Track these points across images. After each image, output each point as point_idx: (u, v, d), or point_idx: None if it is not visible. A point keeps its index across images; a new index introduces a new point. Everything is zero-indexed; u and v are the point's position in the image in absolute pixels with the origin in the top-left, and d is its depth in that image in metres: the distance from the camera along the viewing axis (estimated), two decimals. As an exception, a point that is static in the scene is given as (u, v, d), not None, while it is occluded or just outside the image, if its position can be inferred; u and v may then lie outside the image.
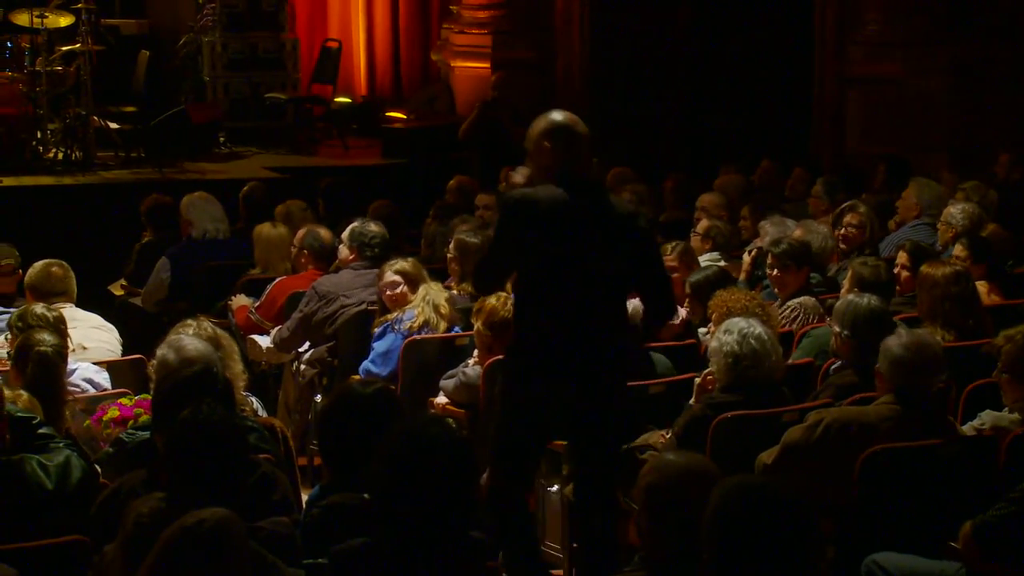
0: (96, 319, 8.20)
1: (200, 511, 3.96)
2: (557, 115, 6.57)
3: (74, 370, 7.03)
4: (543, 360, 6.09)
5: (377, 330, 8.40)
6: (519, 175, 6.74)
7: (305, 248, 9.45)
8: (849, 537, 5.96)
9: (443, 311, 8.27)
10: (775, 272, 8.39)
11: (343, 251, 9.17)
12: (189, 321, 6.23)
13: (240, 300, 9.37)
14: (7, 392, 5.53)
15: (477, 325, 7.74)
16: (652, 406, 7.05)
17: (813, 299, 8.27)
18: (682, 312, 8.17)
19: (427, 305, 8.30)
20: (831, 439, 6.04)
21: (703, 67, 15.54)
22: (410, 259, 8.67)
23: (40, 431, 5.32)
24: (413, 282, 8.43)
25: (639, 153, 14.14)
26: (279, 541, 4.53)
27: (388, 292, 8.45)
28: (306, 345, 8.96)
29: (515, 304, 6.36)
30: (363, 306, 8.78)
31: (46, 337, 6.53)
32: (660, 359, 7.39)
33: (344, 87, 17.73)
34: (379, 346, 8.30)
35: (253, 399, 6.61)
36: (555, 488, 7.14)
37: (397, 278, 8.44)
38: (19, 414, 5.30)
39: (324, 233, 9.55)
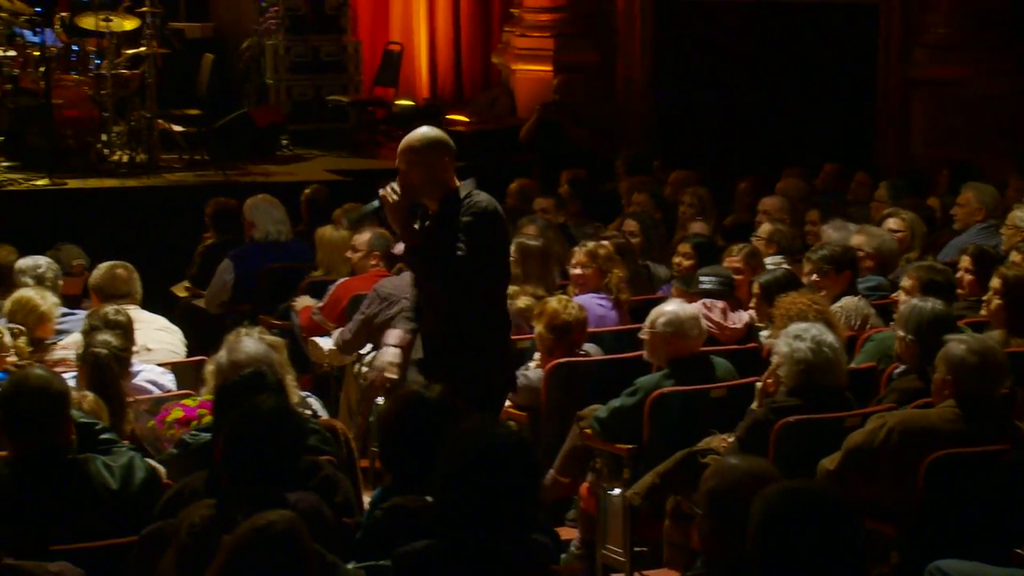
0: (161, 321, 8.25)
1: (268, 513, 3.98)
2: (438, 131, 6.80)
3: (139, 372, 7.08)
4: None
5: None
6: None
7: (375, 250, 9.48)
8: (913, 543, 5.92)
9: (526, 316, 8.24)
10: (814, 277, 8.36)
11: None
12: (243, 329, 6.25)
13: (304, 301, 9.40)
14: (74, 394, 5.58)
15: (538, 328, 7.74)
16: (714, 410, 7.03)
17: (856, 300, 8.21)
18: (744, 316, 8.14)
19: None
20: (894, 444, 6.00)
21: (766, 70, 15.48)
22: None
23: (102, 436, 5.35)
24: None
25: (700, 156, 14.11)
26: (310, 517, 4.51)
27: None
28: (368, 347, 8.98)
29: (480, 308, 6.59)
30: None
31: (105, 339, 6.59)
32: (722, 363, 7.37)
33: (406, 90, 17.77)
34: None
35: (314, 401, 6.63)
36: (616, 491, 7.12)
37: None
38: (82, 419, 5.34)
39: (389, 234, 9.58)
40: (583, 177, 12.55)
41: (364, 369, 8.93)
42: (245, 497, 4.51)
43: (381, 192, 6.61)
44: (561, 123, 15.28)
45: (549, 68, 16.22)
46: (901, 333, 6.92)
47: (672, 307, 7.34)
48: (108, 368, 6.38)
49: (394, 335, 6.76)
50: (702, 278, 8.30)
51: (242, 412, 4.71)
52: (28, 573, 4.33)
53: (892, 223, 9.56)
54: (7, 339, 6.93)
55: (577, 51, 16.33)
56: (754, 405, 6.75)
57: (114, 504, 5.06)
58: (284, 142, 15.77)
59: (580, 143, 15.08)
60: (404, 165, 6.65)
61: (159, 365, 7.39)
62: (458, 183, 6.72)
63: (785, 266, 8.90)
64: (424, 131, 6.76)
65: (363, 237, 9.63)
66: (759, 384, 6.81)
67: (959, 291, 8.30)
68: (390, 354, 6.69)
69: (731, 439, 6.56)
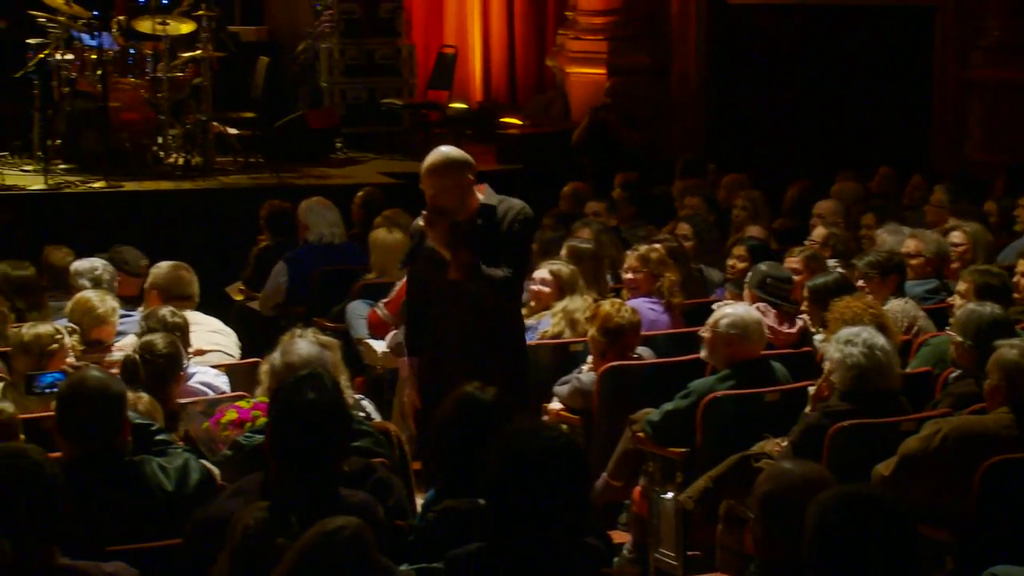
0: (216, 323, 8.29)
1: (336, 518, 4.00)
2: (457, 149, 6.97)
3: (193, 374, 7.12)
4: None
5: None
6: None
7: None
8: (968, 549, 5.88)
9: (579, 328, 8.21)
10: (860, 282, 8.33)
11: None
12: (297, 331, 6.27)
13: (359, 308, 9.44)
14: (129, 395, 5.61)
15: (591, 331, 7.73)
16: (768, 414, 7.01)
17: (903, 303, 8.17)
18: (798, 320, 8.11)
19: (564, 317, 8.28)
20: (949, 449, 5.97)
21: (821, 73, 15.41)
22: (571, 266, 8.62)
23: (158, 437, 5.38)
24: (561, 289, 8.41)
25: (754, 159, 14.07)
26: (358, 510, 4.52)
27: (533, 287, 8.49)
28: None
29: (511, 308, 6.86)
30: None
31: (155, 340, 6.64)
32: (776, 367, 7.34)
33: (460, 93, 17.80)
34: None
35: (367, 403, 6.64)
36: (669, 495, 7.11)
37: (548, 276, 8.45)
38: (137, 420, 5.37)
39: None
40: (636, 180, 12.53)
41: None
42: (299, 498, 4.53)
43: (420, 223, 6.76)
44: (612, 126, 15.26)
45: (603, 71, 16.21)
46: (959, 338, 6.88)
47: (736, 309, 7.32)
48: (159, 368, 6.43)
49: (406, 366, 6.98)
50: (761, 277, 8.24)
51: (285, 403, 4.73)
52: (83, 573, 4.36)
53: (956, 236, 9.45)
54: (67, 341, 6.97)
55: (631, 54, 16.30)
56: (807, 409, 6.72)
57: (169, 505, 5.08)
58: (338, 145, 15.82)
59: (631, 146, 15.07)
60: (432, 189, 6.78)
61: (213, 367, 7.43)
62: (479, 194, 6.85)
63: (839, 270, 8.85)
64: (445, 152, 6.88)
65: None
66: (812, 389, 6.78)
67: (1015, 295, 8.25)
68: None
69: (785, 443, 6.54)
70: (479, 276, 6.63)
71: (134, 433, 5.24)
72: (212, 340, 8.04)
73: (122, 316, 8.15)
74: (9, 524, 4.19)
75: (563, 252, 8.96)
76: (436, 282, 6.82)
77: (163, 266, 8.40)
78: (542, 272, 8.51)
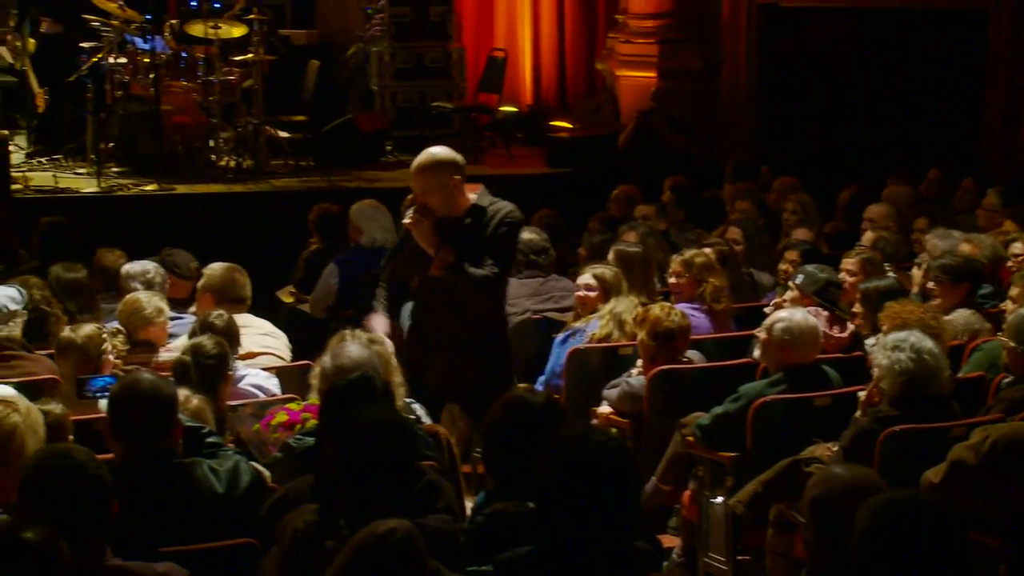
0: (267, 325, 8.32)
1: (386, 521, 4.02)
2: (446, 149, 7.17)
3: (243, 376, 7.15)
4: None
5: (559, 336, 8.41)
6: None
7: None
8: (1020, 556, 5.84)
9: (627, 328, 8.22)
10: (929, 285, 8.28)
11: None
12: (347, 333, 6.30)
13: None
14: (180, 396, 5.63)
15: (641, 335, 7.73)
16: (818, 418, 6.98)
17: (969, 314, 8.11)
18: (849, 325, 8.08)
19: (612, 319, 8.28)
20: (999, 455, 5.92)
21: (872, 76, 15.34)
22: (613, 268, 8.64)
23: (208, 440, 5.40)
24: (607, 291, 8.41)
25: (805, 163, 14.02)
26: (442, 539, 4.56)
27: (579, 293, 8.50)
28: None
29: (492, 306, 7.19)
30: (527, 315, 8.81)
31: (204, 342, 6.67)
32: (828, 371, 7.31)
33: (510, 96, 17.81)
34: (561, 354, 8.30)
35: (417, 406, 6.65)
36: (719, 499, 7.09)
37: (592, 281, 8.45)
38: (188, 423, 5.39)
39: None
40: (685, 183, 12.51)
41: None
42: (349, 503, 4.55)
43: (406, 222, 6.98)
44: (658, 130, 15.24)
45: (653, 74, 16.18)
46: (1012, 343, 6.84)
47: (793, 314, 7.28)
48: (210, 370, 6.47)
49: (381, 323, 7.13)
50: (821, 281, 8.21)
51: (352, 426, 4.74)
52: (134, 573, 4.39)
53: (1018, 247, 9.36)
54: (108, 344, 7.00)
55: (681, 57, 16.27)
56: (858, 414, 6.69)
57: (220, 508, 5.10)
58: (388, 148, 15.86)
59: (678, 150, 15.03)
60: (419, 188, 7.03)
61: (264, 369, 7.46)
62: (471, 194, 7.07)
63: (891, 274, 8.81)
64: (432, 152, 7.09)
65: None
66: (862, 394, 6.75)
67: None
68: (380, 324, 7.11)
69: (835, 448, 6.51)
70: (460, 273, 6.91)
71: (185, 435, 5.27)
72: (263, 343, 8.07)
73: (173, 319, 8.19)
74: (56, 524, 4.22)
75: (610, 256, 8.95)
76: (419, 278, 7.10)
77: (216, 268, 8.43)
78: (586, 277, 8.51)
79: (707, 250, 9.02)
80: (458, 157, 7.14)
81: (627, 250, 8.96)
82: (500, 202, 7.21)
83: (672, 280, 8.75)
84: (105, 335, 7.06)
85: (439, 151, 7.12)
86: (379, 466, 4.64)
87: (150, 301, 7.69)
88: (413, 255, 7.09)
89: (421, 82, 16.78)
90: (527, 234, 9.18)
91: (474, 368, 7.15)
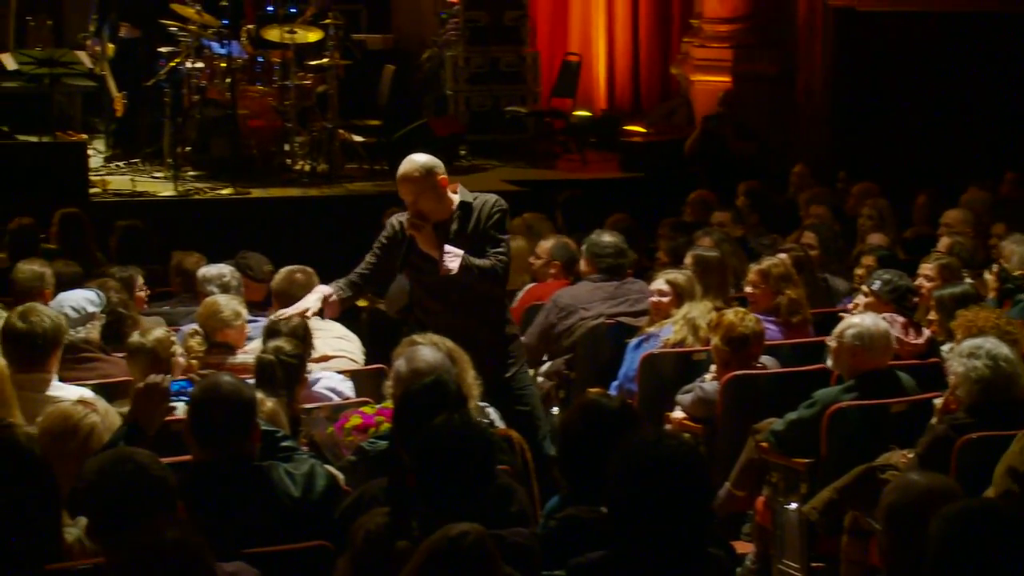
0: (339, 328, 8.34)
1: (459, 524, 4.03)
2: (426, 155, 7.42)
3: (318, 379, 7.18)
4: None
5: (633, 341, 8.40)
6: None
7: (556, 258, 9.53)
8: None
9: (701, 333, 8.18)
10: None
11: (582, 263, 9.21)
12: (417, 337, 6.31)
13: None
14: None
15: (715, 340, 7.70)
16: (894, 425, 6.94)
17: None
18: (925, 331, 8.02)
19: (686, 324, 8.25)
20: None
21: (949, 80, 15.21)
22: (686, 273, 8.62)
23: (283, 443, 5.42)
24: (680, 296, 8.39)
25: (881, 167, 13.92)
26: (518, 551, 4.56)
27: (652, 299, 8.50)
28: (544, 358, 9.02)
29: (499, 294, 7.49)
30: (601, 319, 8.80)
31: (284, 344, 6.71)
32: (904, 378, 7.26)
33: (584, 101, 17.81)
34: (635, 359, 8.29)
35: (491, 410, 6.66)
36: (793, 506, 7.06)
37: (665, 287, 8.43)
38: (264, 427, 5.42)
39: (572, 244, 9.63)
40: (760, 188, 12.46)
41: (540, 379, 8.97)
42: (421, 506, 4.56)
43: (409, 232, 7.21)
44: (725, 135, 15.18)
45: (728, 79, 16.13)
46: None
47: (863, 320, 7.24)
48: (275, 374, 6.51)
49: (321, 288, 7.38)
50: (895, 287, 8.15)
51: (430, 437, 4.77)
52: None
53: None
54: (177, 348, 7.06)
55: (756, 62, 16.21)
56: (934, 421, 6.64)
57: (295, 511, 5.11)
58: (462, 152, 15.89)
59: (744, 155, 14.97)
60: (412, 195, 7.25)
61: (339, 372, 7.49)
62: (454, 194, 7.34)
63: (968, 280, 8.73)
64: (417, 160, 7.33)
65: (545, 244, 9.70)
66: (938, 401, 6.69)
67: None
68: (310, 300, 7.28)
69: (911, 455, 6.46)
70: (469, 269, 7.11)
71: (261, 439, 5.29)
72: (337, 346, 8.09)
73: (248, 322, 8.23)
74: (120, 527, 4.26)
75: (688, 260, 8.92)
76: (430, 280, 7.27)
77: (280, 271, 8.46)
78: (659, 283, 8.49)
79: (785, 257, 8.94)
80: (438, 160, 7.38)
81: (704, 255, 8.93)
82: (483, 195, 7.47)
83: (748, 289, 8.70)
84: (174, 339, 7.11)
85: (423, 158, 7.33)
86: (454, 472, 4.65)
87: (228, 304, 7.74)
88: (419, 261, 7.27)
89: (495, 86, 16.82)
90: (605, 236, 9.18)
91: (486, 354, 7.24)
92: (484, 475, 4.74)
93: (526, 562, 4.53)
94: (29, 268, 8.39)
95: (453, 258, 7.12)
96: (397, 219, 7.40)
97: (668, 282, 8.45)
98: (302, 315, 7.16)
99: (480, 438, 4.80)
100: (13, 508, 4.52)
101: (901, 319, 7.95)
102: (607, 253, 9.07)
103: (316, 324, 7.81)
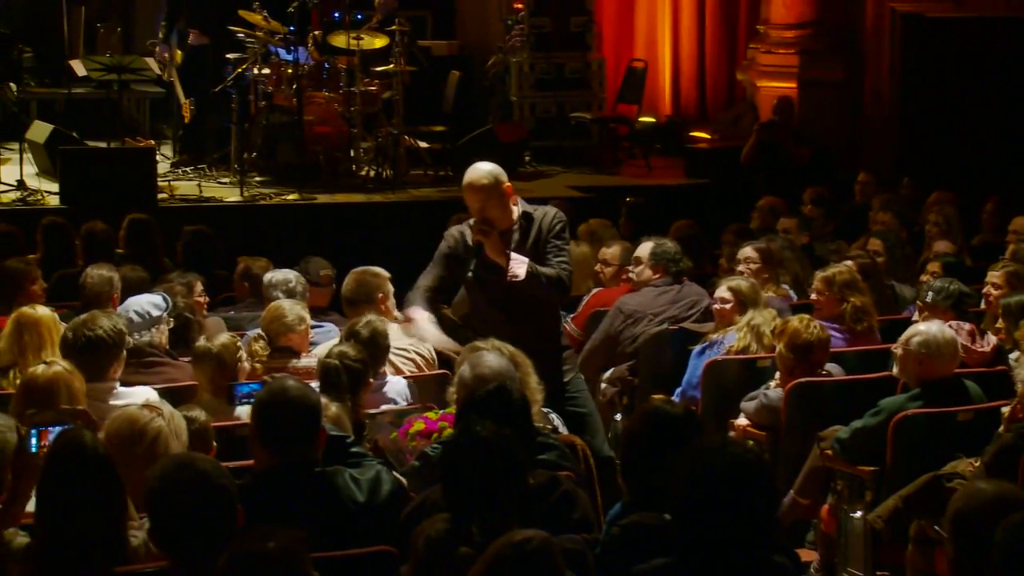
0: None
1: (523, 530, 4.04)
2: (491, 163, 7.39)
3: (383, 384, 7.21)
4: None
5: (697, 348, 8.38)
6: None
7: (626, 264, 9.51)
8: None
9: (766, 340, 8.15)
10: None
11: (644, 270, 9.18)
12: (480, 343, 6.32)
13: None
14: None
15: (779, 347, 7.67)
16: (961, 433, 6.88)
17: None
18: (992, 338, 7.96)
19: (750, 331, 8.21)
20: None
21: (1017, 85, 15.07)
22: (749, 280, 8.60)
23: (352, 450, 5.44)
24: (743, 304, 8.35)
25: (950, 174, 13.81)
26: (572, 557, 4.56)
27: (715, 306, 8.48)
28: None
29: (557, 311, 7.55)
30: (664, 325, 8.78)
31: (348, 349, 6.73)
32: (972, 386, 7.20)
33: (649, 107, 17.78)
34: (698, 366, 8.28)
35: (554, 416, 6.66)
36: (858, 514, 7.02)
37: (728, 295, 8.39)
38: (333, 432, 5.44)
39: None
40: (828, 195, 12.39)
41: (603, 386, 8.96)
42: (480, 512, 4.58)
43: (477, 238, 7.20)
44: (781, 143, 15.11)
45: (793, 85, 16.06)
46: None
47: (929, 327, 7.19)
48: (339, 379, 6.53)
49: (423, 314, 7.34)
50: (955, 294, 8.10)
51: (456, 443, 4.79)
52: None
53: None
54: (243, 352, 7.09)
55: (823, 68, 16.12)
56: (1001, 429, 6.59)
57: (360, 516, 5.12)
58: (527, 158, 15.91)
59: (800, 162, 14.88)
60: (479, 203, 7.25)
61: (404, 377, 7.51)
62: (513, 204, 7.35)
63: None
64: (485, 167, 7.30)
65: (611, 251, 9.69)
66: (1006, 409, 6.64)
67: None
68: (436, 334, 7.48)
69: (978, 464, 6.41)
70: (535, 276, 7.12)
71: (328, 444, 5.30)
72: (407, 350, 8.09)
73: (313, 327, 8.26)
74: (181, 534, 4.29)
75: (748, 251, 9.02)
76: (493, 290, 7.29)
77: (351, 274, 8.43)
78: (721, 290, 8.47)
79: (851, 264, 8.89)
80: (502, 169, 7.38)
81: (760, 246, 9.02)
82: (542, 206, 7.52)
83: (814, 296, 8.66)
84: (239, 343, 7.15)
85: (490, 166, 7.30)
86: (478, 480, 4.68)
87: (292, 309, 7.78)
88: (483, 271, 7.27)
89: (560, 93, 16.82)
90: (668, 242, 9.18)
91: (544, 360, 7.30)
92: (507, 486, 4.74)
93: (580, 568, 4.53)
94: (97, 273, 8.47)
95: (520, 264, 7.11)
96: (458, 230, 7.41)
97: (730, 289, 8.42)
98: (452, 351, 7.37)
99: (501, 450, 4.79)
100: (79, 510, 4.56)
101: (967, 326, 7.89)
102: (676, 258, 9.06)
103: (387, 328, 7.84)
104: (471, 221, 7.32)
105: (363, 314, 7.63)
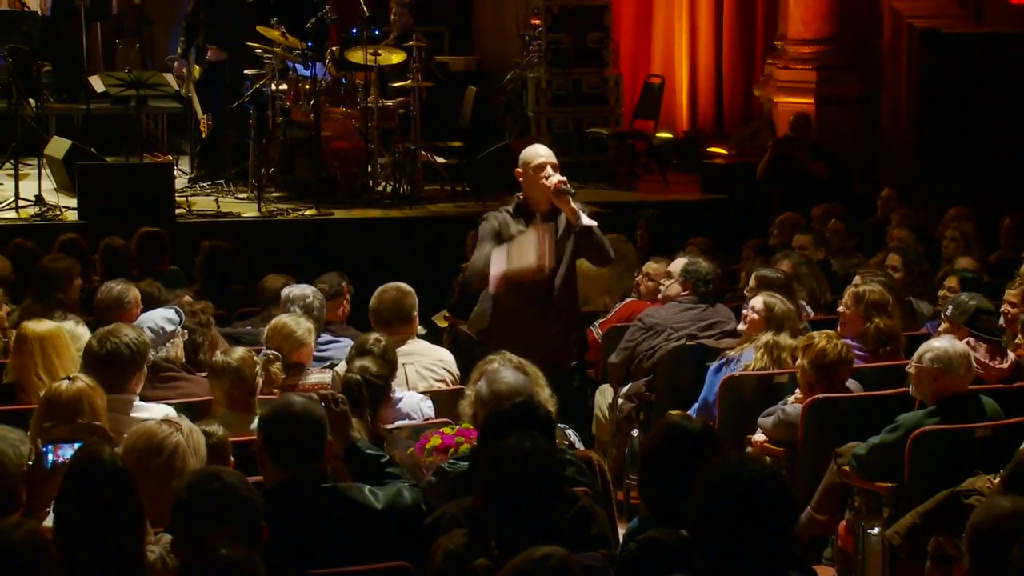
0: (426, 345, 8.32)
1: (542, 547, 4.04)
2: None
3: (400, 399, 7.21)
4: None
5: (714, 364, 8.36)
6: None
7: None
8: None
9: (784, 366, 8.10)
10: None
11: (674, 285, 9.17)
12: (492, 356, 6.31)
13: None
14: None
15: (802, 362, 7.62)
16: (979, 450, 6.86)
17: None
18: (1011, 355, 7.93)
19: (767, 353, 8.16)
20: None
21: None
22: (788, 304, 8.41)
23: (388, 470, 5.44)
24: (769, 321, 8.28)
25: (968, 190, 13.79)
26: (591, 574, 4.56)
27: (744, 310, 8.45)
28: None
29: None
30: (682, 341, 8.77)
31: (369, 364, 6.72)
32: (988, 402, 7.18)
33: (666, 122, 17.79)
34: (715, 382, 8.26)
35: (571, 432, 6.65)
36: (875, 531, 7.00)
37: (760, 307, 8.29)
38: (369, 451, 5.45)
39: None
40: (846, 211, 12.38)
41: (620, 401, 8.95)
42: (500, 527, 4.57)
43: (554, 196, 7.81)
44: (797, 158, 15.09)
45: (811, 101, 16.05)
46: None
47: (942, 343, 7.17)
48: (360, 394, 6.53)
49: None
50: (971, 311, 8.07)
51: (504, 450, 4.77)
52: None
53: None
54: (260, 367, 7.07)
55: (840, 84, 16.12)
56: (1022, 447, 6.56)
57: (376, 531, 5.11)
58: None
59: (817, 178, 14.86)
60: (556, 170, 7.96)
61: (420, 393, 7.50)
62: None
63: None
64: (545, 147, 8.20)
65: (659, 266, 9.67)
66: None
67: None
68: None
69: (996, 480, 6.39)
70: (598, 232, 7.86)
71: (362, 462, 5.31)
72: (432, 365, 8.08)
73: (328, 342, 8.26)
74: (201, 544, 4.28)
75: (751, 283, 8.94)
76: (531, 288, 7.68)
77: (378, 291, 8.39)
78: (758, 299, 8.40)
79: (877, 287, 8.69)
80: None
81: (768, 275, 8.91)
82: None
83: (841, 309, 8.59)
84: (256, 358, 7.12)
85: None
86: (522, 495, 4.67)
87: (299, 323, 7.71)
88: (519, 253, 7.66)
89: (577, 108, 16.85)
90: (703, 262, 9.17)
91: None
92: (552, 497, 4.74)
93: None
94: (108, 287, 8.46)
95: (588, 217, 7.71)
96: (498, 214, 7.95)
97: (765, 304, 8.31)
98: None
99: (548, 461, 4.79)
100: (96, 524, 4.56)
101: (985, 343, 7.86)
102: (708, 279, 9.06)
103: (410, 348, 7.85)
104: (510, 207, 7.89)
105: (396, 333, 7.64)
